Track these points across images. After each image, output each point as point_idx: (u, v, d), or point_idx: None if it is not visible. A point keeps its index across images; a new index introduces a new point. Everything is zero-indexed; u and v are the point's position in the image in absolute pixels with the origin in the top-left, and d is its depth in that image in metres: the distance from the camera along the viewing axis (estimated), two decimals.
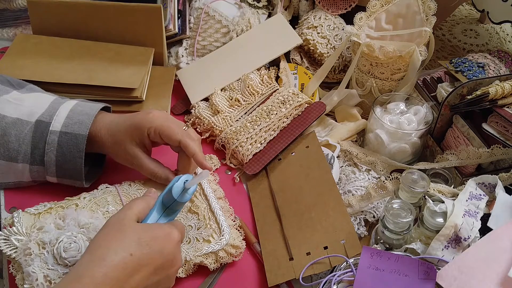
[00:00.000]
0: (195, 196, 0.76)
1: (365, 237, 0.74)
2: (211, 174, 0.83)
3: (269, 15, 1.08)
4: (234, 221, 0.75)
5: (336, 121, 0.93)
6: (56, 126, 0.72)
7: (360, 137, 0.91)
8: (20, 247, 0.63)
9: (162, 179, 0.75)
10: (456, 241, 0.62)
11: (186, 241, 0.70)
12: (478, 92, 0.76)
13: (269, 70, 0.98)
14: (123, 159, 0.75)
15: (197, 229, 0.71)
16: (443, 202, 0.65)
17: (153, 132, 0.72)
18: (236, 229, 0.74)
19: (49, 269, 0.61)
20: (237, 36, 1.01)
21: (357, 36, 0.89)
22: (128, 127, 0.73)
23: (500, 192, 0.67)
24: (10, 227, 0.67)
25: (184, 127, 0.74)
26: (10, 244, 0.64)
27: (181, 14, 1.05)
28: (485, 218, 0.64)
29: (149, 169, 0.74)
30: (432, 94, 0.87)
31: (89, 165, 0.78)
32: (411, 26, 0.91)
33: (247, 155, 0.84)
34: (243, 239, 0.73)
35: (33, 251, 0.62)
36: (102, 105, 0.77)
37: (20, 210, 0.70)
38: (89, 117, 0.73)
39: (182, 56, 1.03)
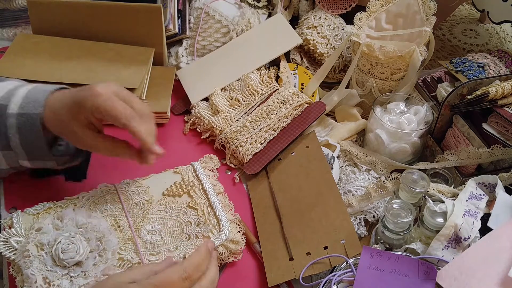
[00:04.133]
0: (194, 191, 0.76)
1: (365, 237, 0.74)
2: (211, 170, 0.83)
3: (269, 15, 1.08)
4: (234, 216, 0.75)
5: (336, 121, 0.93)
6: (13, 108, 0.68)
7: (360, 137, 0.91)
8: (19, 249, 0.63)
9: (123, 156, 0.69)
10: (456, 241, 0.62)
11: (186, 238, 0.70)
12: (478, 92, 0.76)
13: (269, 70, 0.98)
14: (74, 141, 0.69)
15: (197, 226, 0.71)
16: (443, 202, 0.65)
17: (96, 112, 0.65)
18: (236, 224, 0.74)
19: (48, 270, 0.61)
20: (237, 36, 1.01)
21: (357, 36, 0.89)
22: (71, 105, 0.66)
23: (500, 192, 0.67)
24: (10, 228, 0.67)
25: (143, 100, 0.68)
26: (9, 246, 0.64)
27: (181, 14, 1.05)
28: (485, 218, 0.64)
29: (103, 149, 0.68)
30: (432, 94, 0.87)
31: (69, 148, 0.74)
32: (411, 26, 0.91)
33: (247, 155, 0.84)
34: (243, 234, 0.73)
35: (31, 253, 0.62)
36: (62, 86, 0.72)
37: (20, 210, 0.70)
38: (44, 94, 0.68)
39: (182, 56, 1.03)
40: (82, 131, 0.67)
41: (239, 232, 0.72)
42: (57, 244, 0.62)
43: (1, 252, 0.64)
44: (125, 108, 0.65)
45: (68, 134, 0.68)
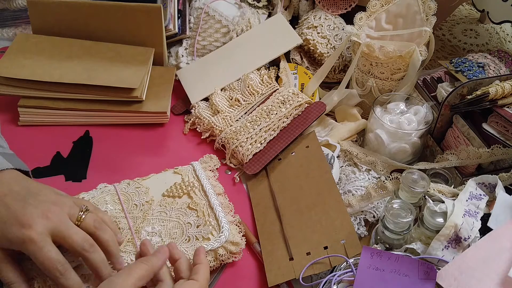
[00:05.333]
0: (194, 192, 0.76)
1: (365, 237, 0.74)
2: (211, 171, 0.83)
3: (269, 15, 1.08)
4: (234, 217, 0.75)
5: (336, 121, 0.93)
6: None
7: (360, 137, 0.91)
8: None
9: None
10: (456, 241, 0.62)
11: (185, 240, 0.70)
12: (478, 92, 0.76)
13: (269, 70, 0.98)
14: None
15: (197, 227, 0.71)
16: (443, 202, 0.65)
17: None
18: (236, 225, 0.74)
19: None
20: (237, 36, 1.01)
21: (357, 36, 0.89)
22: None
23: (500, 192, 0.67)
24: None
25: (80, 213, 0.61)
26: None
27: (181, 14, 1.05)
28: (485, 218, 0.64)
29: (4, 278, 0.59)
30: (432, 94, 0.87)
31: None
32: (411, 26, 0.91)
33: (247, 155, 0.84)
34: (243, 235, 0.73)
35: None
36: (13, 165, 0.65)
37: None
38: None
39: (182, 56, 1.03)
40: None
41: (239, 233, 0.72)
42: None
43: None
44: (57, 261, 0.57)
45: None
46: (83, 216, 0.61)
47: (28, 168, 0.69)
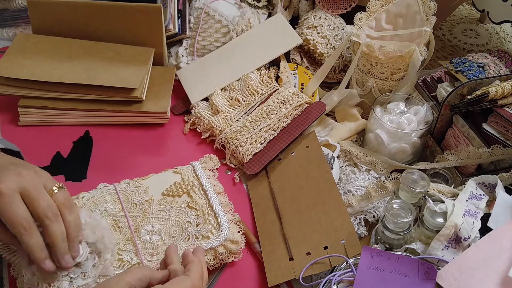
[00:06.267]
0: (194, 191, 0.76)
1: (365, 237, 0.74)
2: (210, 170, 0.83)
3: (269, 15, 1.08)
4: (234, 215, 0.75)
5: (336, 121, 0.93)
6: None
7: (360, 137, 0.91)
8: (19, 250, 0.63)
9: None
10: (456, 241, 0.62)
11: (185, 238, 0.70)
12: (478, 92, 0.76)
13: (269, 70, 0.98)
14: None
15: (196, 226, 0.71)
16: (443, 202, 0.65)
17: None
18: (236, 223, 0.74)
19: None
20: (237, 36, 1.01)
21: (357, 36, 0.89)
22: None
23: (500, 192, 0.67)
24: None
25: (54, 188, 0.61)
26: (9, 248, 0.64)
27: (181, 14, 1.05)
28: (485, 218, 0.64)
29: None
30: (432, 94, 0.87)
31: None
32: (411, 26, 0.91)
33: (247, 155, 0.84)
34: (243, 234, 0.73)
35: None
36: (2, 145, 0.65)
37: None
38: None
39: (182, 56, 1.03)
40: None
41: (239, 232, 0.72)
42: None
43: (1, 254, 0.64)
44: (22, 218, 0.57)
45: None
46: (56, 191, 0.60)
47: (18, 149, 0.68)
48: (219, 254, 0.68)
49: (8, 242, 0.61)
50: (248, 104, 0.93)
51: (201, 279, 0.57)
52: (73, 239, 0.61)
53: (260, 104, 0.92)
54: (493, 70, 0.88)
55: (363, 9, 0.94)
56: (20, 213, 0.56)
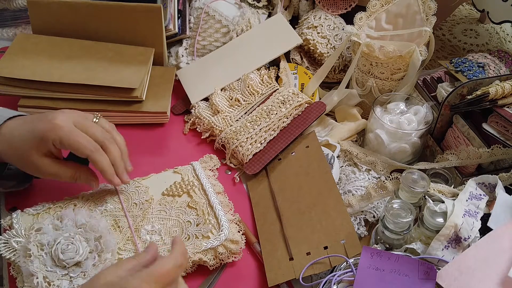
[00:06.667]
0: (194, 191, 0.76)
1: (365, 237, 0.74)
2: (210, 170, 0.83)
3: (269, 15, 1.08)
4: (234, 215, 0.75)
5: (336, 121, 0.93)
6: None
7: (360, 137, 0.91)
8: (19, 249, 0.63)
9: (83, 181, 0.71)
10: (456, 241, 0.62)
11: (185, 238, 0.70)
12: (478, 92, 0.76)
13: (269, 70, 0.98)
14: (32, 171, 0.69)
15: (196, 225, 0.71)
16: (443, 202, 0.65)
17: (58, 144, 0.66)
18: (236, 223, 0.74)
19: (47, 271, 0.61)
20: (237, 36, 1.01)
21: (357, 36, 0.89)
22: (32, 139, 0.66)
23: (500, 192, 0.67)
24: (10, 229, 0.67)
25: (94, 119, 0.70)
26: (9, 247, 0.64)
27: (181, 14, 1.05)
28: (485, 218, 0.64)
29: (65, 176, 0.69)
30: (432, 94, 0.87)
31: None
32: (411, 26, 0.91)
33: (247, 155, 0.84)
34: (243, 234, 0.73)
35: (32, 253, 0.61)
36: (15, 113, 0.72)
37: (19, 210, 0.70)
38: (1, 118, 0.68)
39: (182, 56, 1.03)
40: (41, 161, 0.67)
41: (239, 232, 0.72)
42: (57, 244, 0.62)
43: (1, 253, 0.64)
44: (88, 141, 0.67)
45: (25, 165, 0.68)
46: (96, 120, 0.70)
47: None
48: (219, 254, 0.68)
49: (67, 178, 0.69)
50: (248, 104, 0.93)
51: (183, 254, 0.57)
52: (126, 155, 0.72)
53: (260, 104, 0.92)
54: (493, 70, 0.88)
55: (363, 9, 0.94)
56: (84, 137, 0.66)
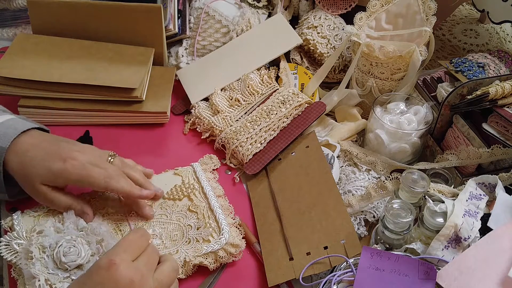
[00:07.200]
0: (195, 194, 0.76)
1: (365, 237, 0.74)
2: (211, 172, 0.83)
3: (269, 15, 1.08)
4: (234, 219, 0.75)
5: (336, 121, 0.93)
6: None
7: (360, 137, 0.91)
8: (21, 251, 0.63)
9: (78, 211, 0.69)
10: (456, 241, 0.62)
11: (186, 242, 0.70)
12: (478, 92, 0.76)
13: (269, 70, 0.98)
14: (29, 192, 0.69)
15: (197, 229, 0.71)
16: (443, 202, 0.65)
17: (71, 184, 0.68)
18: (236, 227, 0.74)
19: (49, 273, 0.61)
20: (237, 36, 1.01)
21: (357, 36, 0.89)
22: (44, 174, 0.66)
23: (500, 192, 0.67)
24: (10, 230, 0.67)
25: (109, 158, 0.70)
26: (10, 249, 0.64)
27: (181, 14, 1.05)
28: (485, 218, 0.64)
29: (58, 206, 0.69)
30: (432, 94, 0.87)
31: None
32: (411, 26, 0.91)
33: (247, 155, 0.84)
34: (243, 238, 0.73)
35: (34, 255, 0.61)
36: (35, 124, 0.72)
37: (19, 211, 0.70)
38: (15, 131, 0.67)
39: (182, 56, 1.03)
40: (42, 189, 0.67)
41: (239, 235, 0.72)
42: (59, 247, 0.62)
43: (3, 255, 0.64)
44: (99, 173, 0.67)
45: (26, 186, 0.68)
46: (112, 159, 0.71)
47: (48, 130, 0.76)
48: (219, 257, 0.69)
49: (61, 209, 0.68)
50: (248, 104, 0.93)
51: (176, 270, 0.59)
52: (143, 183, 0.72)
53: (260, 104, 0.92)
54: (493, 70, 0.88)
55: (363, 9, 0.94)
56: (95, 170, 0.67)
